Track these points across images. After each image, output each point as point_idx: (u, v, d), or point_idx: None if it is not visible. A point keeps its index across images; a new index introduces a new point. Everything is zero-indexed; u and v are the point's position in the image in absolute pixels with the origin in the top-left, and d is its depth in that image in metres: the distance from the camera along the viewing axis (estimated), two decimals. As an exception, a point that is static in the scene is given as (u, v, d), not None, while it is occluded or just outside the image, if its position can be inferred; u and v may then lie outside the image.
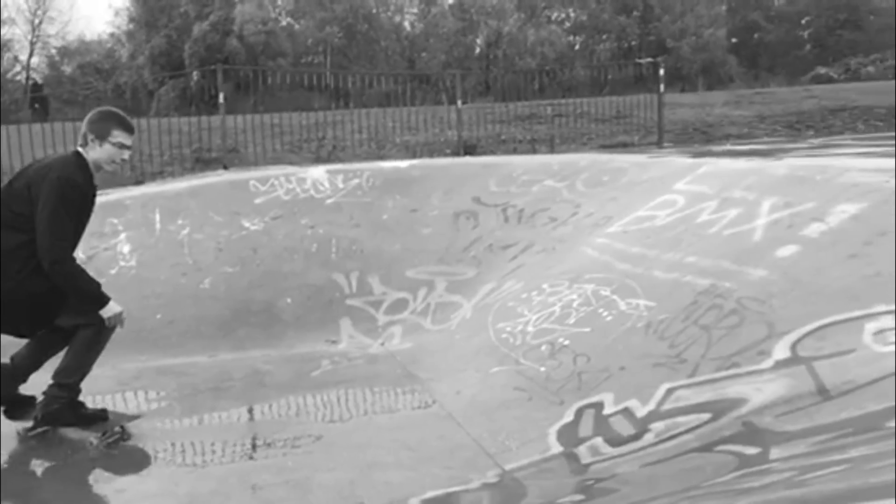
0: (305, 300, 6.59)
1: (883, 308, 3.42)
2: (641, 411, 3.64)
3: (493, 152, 12.18)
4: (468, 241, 7.05)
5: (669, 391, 3.67)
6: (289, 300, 6.58)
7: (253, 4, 39.48)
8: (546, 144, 13.16)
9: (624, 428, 3.60)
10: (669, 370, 3.82)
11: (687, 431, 3.35)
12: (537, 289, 5.55)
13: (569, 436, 3.73)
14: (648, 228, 5.66)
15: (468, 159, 10.32)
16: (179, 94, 34.40)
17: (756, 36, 45.84)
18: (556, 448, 3.66)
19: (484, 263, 6.68)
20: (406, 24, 45.76)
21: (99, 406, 4.47)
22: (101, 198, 7.51)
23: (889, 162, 4.84)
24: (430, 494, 3.33)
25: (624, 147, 12.49)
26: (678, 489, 2.64)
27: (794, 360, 3.42)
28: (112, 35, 47.05)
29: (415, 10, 45.38)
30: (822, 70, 30.81)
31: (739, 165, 6.33)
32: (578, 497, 3.12)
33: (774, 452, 2.81)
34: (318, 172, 8.11)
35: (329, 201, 7.71)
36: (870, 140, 10.72)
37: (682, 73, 39.15)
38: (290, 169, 8.48)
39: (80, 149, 4.14)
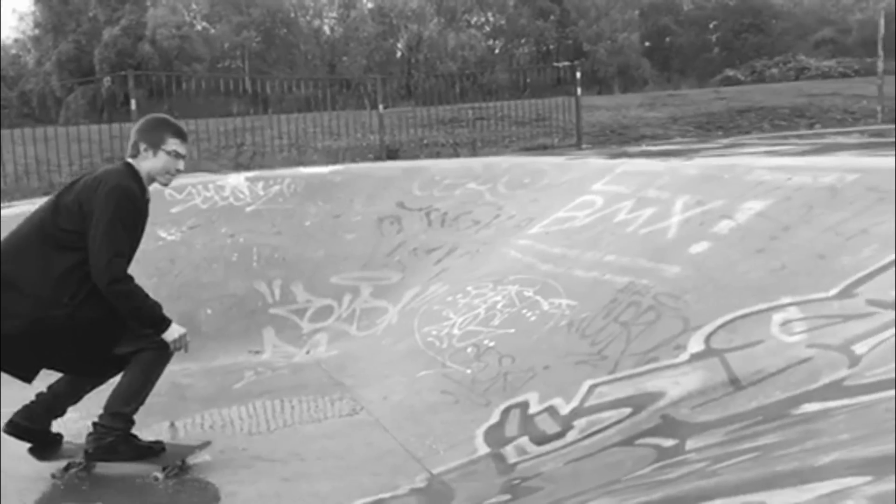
0: (226, 310, 6.45)
1: (788, 300, 3.59)
2: (565, 409, 3.72)
3: (415, 156, 12.19)
4: (392, 245, 7.04)
5: (592, 388, 3.76)
6: (209, 311, 6.42)
7: (166, 9, 38.40)
8: (468, 147, 13.26)
9: (549, 426, 3.67)
10: (591, 367, 3.91)
11: (609, 427, 3.44)
12: (462, 291, 5.59)
13: (495, 436, 3.77)
14: (569, 229, 5.78)
15: (391, 164, 10.30)
16: (89, 102, 33.07)
17: (668, 40, 47.43)
18: (484, 449, 3.70)
19: (409, 268, 6.69)
20: (326, 28, 45.35)
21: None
22: (7, 210, 7.19)
23: (790, 160, 5.08)
24: (358, 503, 3.31)
25: (544, 149, 12.70)
26: (600, 484, 2.70)
27: (707, 352, 3.55)
28: (16, 41, 44.98)
29: (334, 15, 44.99)
30: (729, 72, 32.05)
31: (654, 166, 6.54)
32: (505, 497, 3.15)
33: (690, 444, 2.91)
34: (237, 180, 7.96)
35: (249, 209, 7.56)
36: (774, 139, 11.25)
37: (599, 76, 40.15)
38: (207, 177, 8.28)
39: (130, 160, 3.77)
